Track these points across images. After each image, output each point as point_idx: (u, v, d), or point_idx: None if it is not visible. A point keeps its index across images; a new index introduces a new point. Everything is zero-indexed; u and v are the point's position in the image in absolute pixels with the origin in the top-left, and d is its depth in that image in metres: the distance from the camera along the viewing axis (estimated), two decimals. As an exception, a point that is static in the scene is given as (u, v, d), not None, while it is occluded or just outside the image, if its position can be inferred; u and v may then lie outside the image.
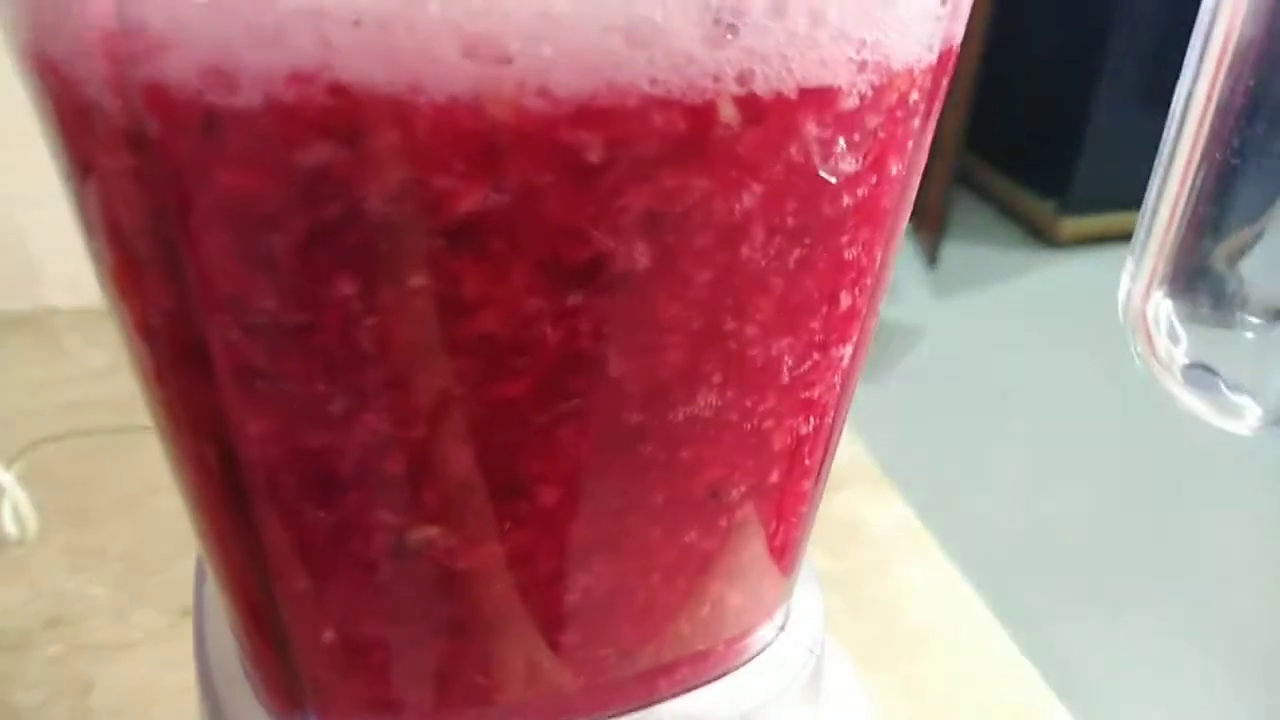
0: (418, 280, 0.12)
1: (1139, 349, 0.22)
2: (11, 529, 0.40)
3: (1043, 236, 2.24)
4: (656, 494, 0.14)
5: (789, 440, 0.15)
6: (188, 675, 0.36)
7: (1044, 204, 2.23)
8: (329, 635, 0.15)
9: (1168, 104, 0.21)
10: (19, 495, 0.40)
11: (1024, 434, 1.58)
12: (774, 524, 0.16)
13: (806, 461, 0.16)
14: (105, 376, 0.52)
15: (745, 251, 0.12)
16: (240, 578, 0.16)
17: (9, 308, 0.57)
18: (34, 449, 0.42)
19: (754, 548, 0.16)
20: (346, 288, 0.12)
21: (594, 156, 0.11)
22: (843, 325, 0.14)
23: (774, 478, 0.15)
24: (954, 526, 0.45)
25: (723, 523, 0.15)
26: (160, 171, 0.12)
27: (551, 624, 0.15)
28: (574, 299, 0.12)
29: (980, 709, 0.37)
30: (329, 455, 0.14)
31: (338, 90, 0.11)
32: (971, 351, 1.77)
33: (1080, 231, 2.20)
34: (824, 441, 0.16)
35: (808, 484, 0.16)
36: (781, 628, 0.18)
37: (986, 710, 0.37)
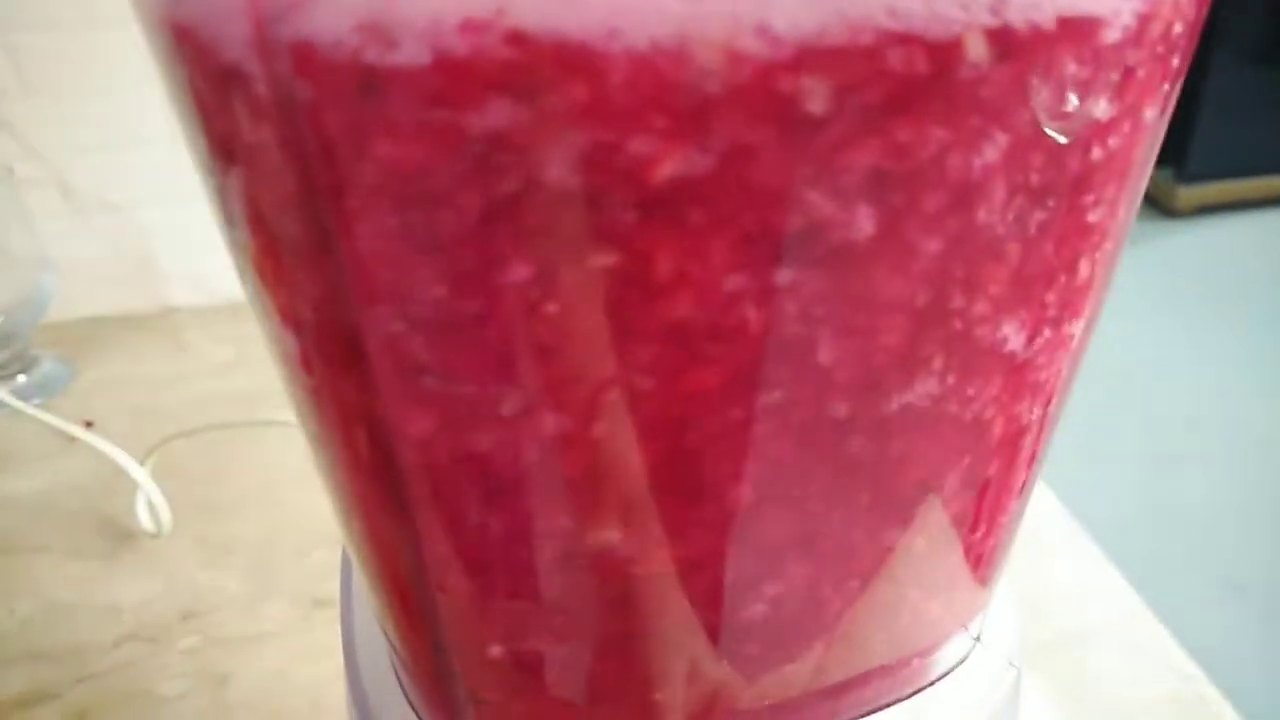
0: (604, 260, 0.11)
1: None
2: (147, 523, 0.40)
3: (1160, 206, 2.14)
4: (860, 493, 0.13)
5: (1009, 430, 0.13)
6: (321, 668, 0.36)
7: (1160, 172, 2.13)
8: (494, 648, 0.14)
9: None
10: (152, 489, 0.40)
11: (1146, 412, 1.51)
12: (983, 525, 0.14)
13: (1025, 454, 0.14)
14: (227, 372, 0.53)
15: (981, 215, 0.11)
16: (396, 583, 0.15)
17: (131, 309, 0.59)
18: (165, 445, 0.42)
19: (959, 550, 0.14)
20: (523, 270, 0.11)
21: (816, 107, 0.10)
22: (1078, 298, 0.13)
23: (989, 472, 0.14)
24: (1075, 506, 0.42)
25: (929, 523, 0.14)
26: (311, 144, 0.11)
27: (735, 636, 0.14)
28: (782, 276, 0.11)
29: (1141, 706, 0.34)
30: (498, 456, 0.13)
31: (517, 39, 0.09)
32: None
33: (1199, 200, 2.10)
34: (1045, 431, 0.14)
35: (1022, 479, 0.15)
36: (977, 638, 0.17)
37: (1148, 707, 0.34)
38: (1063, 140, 0.12)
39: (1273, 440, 1.44)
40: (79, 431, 0.41)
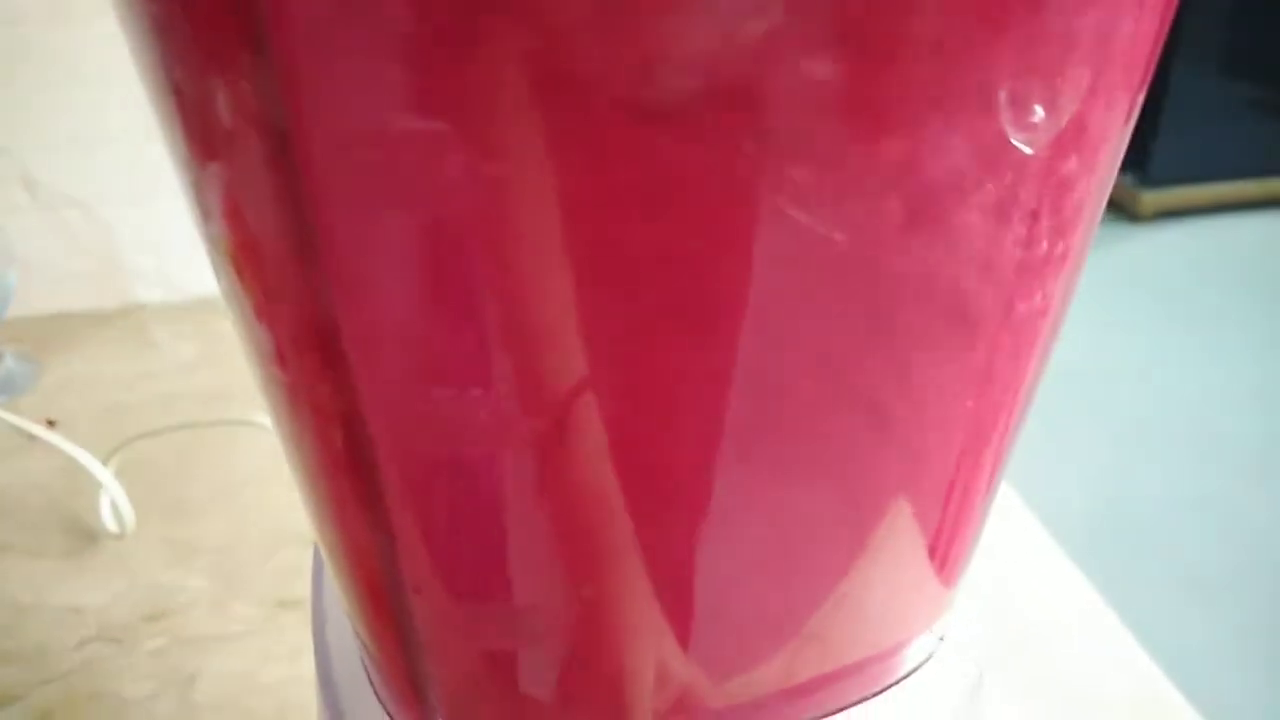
0: (581, 254, 0.11)
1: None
2: (111, 524, 0.40)
3: (1123, 210, 2.17)
4: (827, 497, 0.13)
5: (975, 434, 0.14)
6: (289, 668, 0.36)
7: (1123, 177, 2.16)
8: (467, 650, 0.15)
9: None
10: (116, 489, 0.40)
11: (1108, 413, 1.53)
12: (948, 526, 0.15)
13: (989, 457, 0.14)
14: (193, 369, 0.53)
15: (943, 224, 0.11)
16: (370, 584, 0.15)
17: (97, 305, 0.58)
18: (129, 445, 0.42)
19: (924, 551, 0.15)
20: (503, 270, 0.11)
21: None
22: (1052, 269, 0.13)
23: (954, 475, 0.14)
24: (1039, 508, 0.43)
25: (895, 526, 0.14)
26: (295, 141, 0.11)
27: (704, 638, 0.14)
28: (751, 273, 0.11)
29: (1101, 705, 0.35)
30: (476, 458, 0.13)
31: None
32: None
33: (1161, 205, 2.13)
34: (1010, 434, 0.15)
35: (987, 482, 0.15)
36: (941, 638, 0.17)
37: (1108, 705, 0.35)
38: (1028, 151, 0.12)
39: (1234, 441, 1.46)
40: (41, 431, 0.40)
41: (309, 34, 0.10)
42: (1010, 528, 0.42)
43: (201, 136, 0.12)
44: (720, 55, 0.10)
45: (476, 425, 0.12)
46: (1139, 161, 2.12)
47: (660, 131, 0.10)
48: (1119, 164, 0.14)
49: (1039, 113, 0.12)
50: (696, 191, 0.10)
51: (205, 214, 0.13)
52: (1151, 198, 2.12)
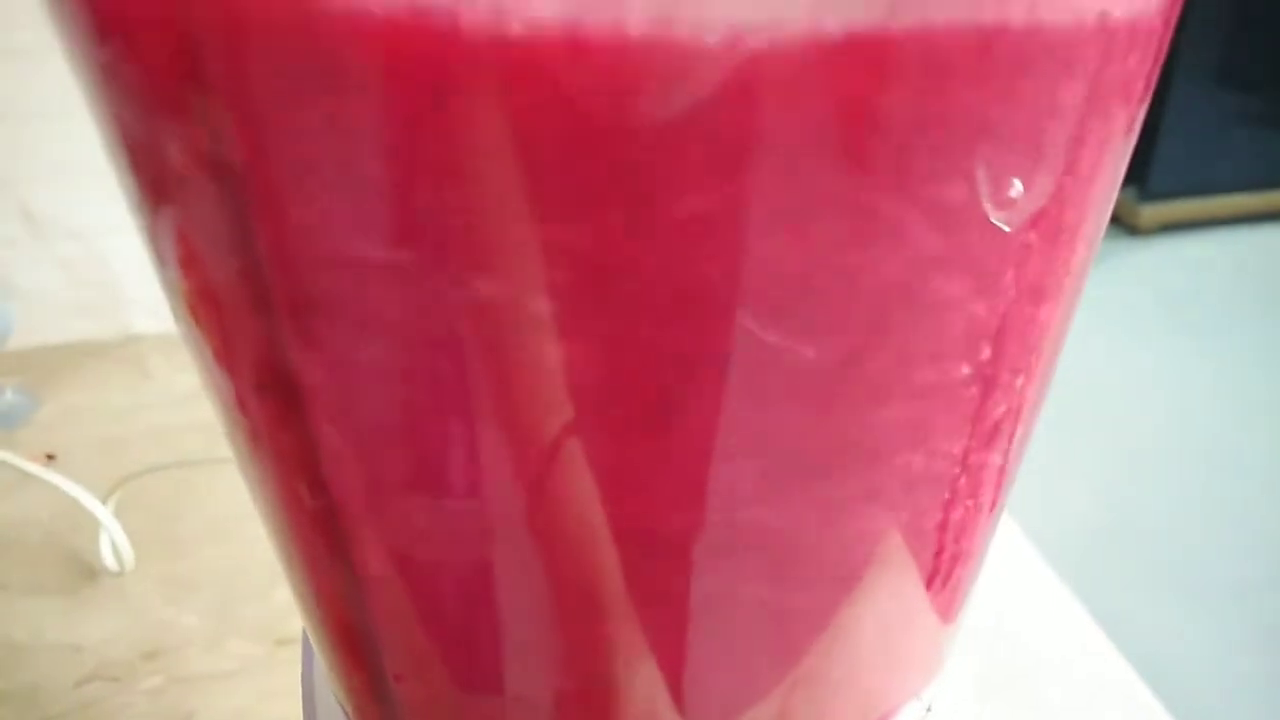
0: (545, 305, 0.11)
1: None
2: (110, 562, 0.40)
3: (1123, 224, 2.17)
4: (816, 550, 0.13)
5: (969, 482, 0.13)
6: (286, 705, 0.36)
7: (1123, 191, 2.16)
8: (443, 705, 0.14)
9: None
10: (115, 528, 0.40)
11: (1106, 428, 1.53)
12: (949, 554, 0.15)
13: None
14: (191, 401, 0.53)
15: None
16: (344, 640, 0.15)
17: (94, 337, 0.58)
18: (129, 481, 0.42)
19: (914, 615, 0.15)
20: (471, 329, 0.11)
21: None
22: (1041, 335, 0.13)
23: (943, 542, 0.14)
24: (1038, 524, 0.43)
25: (884, 588, 0.14)
26: (246, 183, 0.10)
27: (684, 712, 0.14)
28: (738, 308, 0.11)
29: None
30: (446, 520, 0.13)
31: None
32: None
33: (1161, 218, 2.13)
34: (1005, 481, 0.14)
35: (990, 514, 0.15)
36: (929, 709, 0.17)
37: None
38: (1006, 229, 0.12)
39: (1238, 454, 1.46)
40: (39, 470, 0.40)
41: (256, 80, 0.10)
42: (1007, 557, 0.42)
43: (152, 180, 0.12)
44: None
45: (452, 490, 0.12)
46: (1139, 175, 2.12)
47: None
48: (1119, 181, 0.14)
49: (1017, 187, 0.12)
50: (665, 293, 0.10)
51: (160, 260, 0.13)
52: (1152, 211, 2.12)
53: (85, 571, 0.41)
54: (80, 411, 0.52)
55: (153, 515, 0.43)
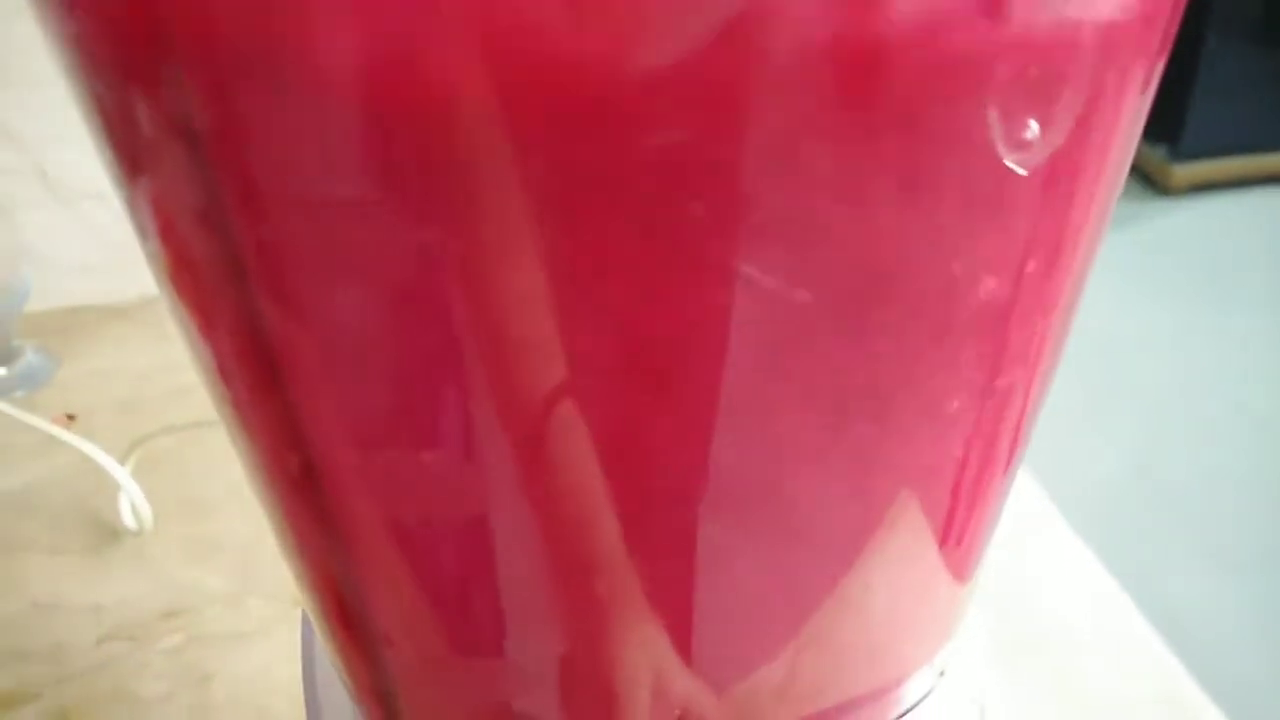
0: (526, 270, 0.10)
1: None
2: (129, 521, 0.40)
3: (1155, 185, 2.13)
4: (829, 516, 0.13)
5: (995, 416, 0.13)
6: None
7: (1155, 150, 2.12)
8: (446, 702, 0.14)
9: None
10: (134, 489, 0.40)
11: (1139, 391, 1.51)
12: (961, 513, 0.14)
13: (1021, 409, 0.14)
14: (211, 362, 0.53)
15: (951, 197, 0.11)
16: (334, 605, 0.15)
17: (113, 299, 0.58)
18: (148, 441, 0.42)
19: (926, 581, 0.14)
20: (442, 284, 0.11)
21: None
22: (1057, 288, 0.12)
23: (957, 506, 0.13)
24: (1066, 487, 0.42)
25: (897, 551, 0.14)
26: (213, 154, 0.10)
27: (698, 685, 0.14)
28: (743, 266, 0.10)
29: (1122, 706, 0.34)
30: (432, 484, 0.12)
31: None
32: (1084, 305, 1.70)
33: (1194, 178, 2.09)
34: (1032, 414, 0.14)
35: (1003, 475, 0.14)
36: (942, 673, 0.16)
37: (1130, 707, 0.34)
38: (1022, 172, 0.12)
39: (1267, 417, 1.44)
40: (59, 431, 0.41)
41: (219, 44, 0.09)
42: (1030, 521, 0.42)
43: (127, 150, 0.12)
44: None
45: (440, 451, 0.12)
46: (1171, 134, 2.08)
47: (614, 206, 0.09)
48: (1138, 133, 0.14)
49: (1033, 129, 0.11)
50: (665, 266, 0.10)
51: (141, 231, 0.13)
52: (1184, 171, 2.08)
53: (106, 532, 0.41)
54: (100, 373, 0.52)
55: (172, 476, 0.43)
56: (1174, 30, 0.12)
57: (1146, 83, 0.12)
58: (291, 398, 0.12)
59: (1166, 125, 2.08)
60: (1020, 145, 0.11)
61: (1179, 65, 2.06)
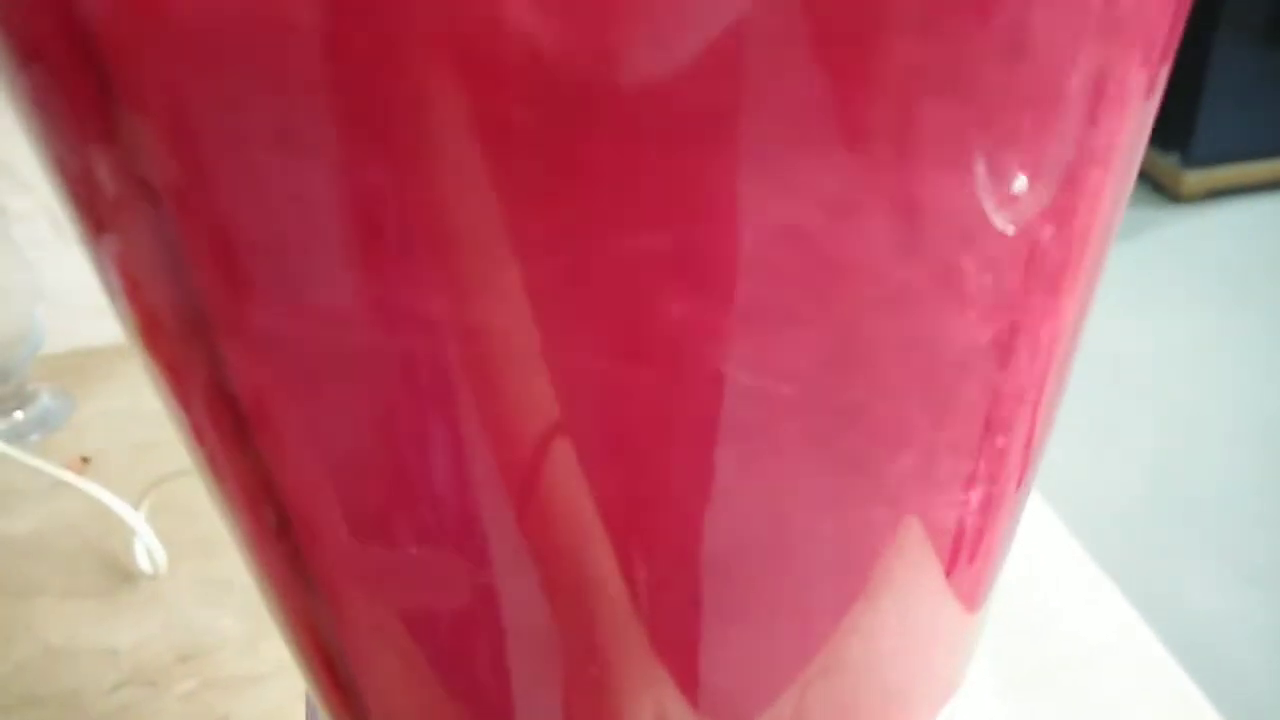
0: (500, 315, 0.10)
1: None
2: (144, 565, 0.40)
3: (1165, 191, 2.12)
4: (832, 548, 0.12)
5: (1002, 437, 0.13)
6: (317, 707, 0.36)
7: (1166, 157, 2.11)
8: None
9: None
10: (147, 532, 0.40)
11: (1150, 400, 1.50)
12: (969, 537, 0.14)
13: (1028, 434, 0.14)
14: (224, 400, 0.53)
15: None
16: (315, 653, 0.15)
17: (124, 341, 0.58)
18: (162, 484, 0.42)
19: (934, 632, 0.14)
20: (415, 333, 0.10)
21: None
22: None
23: (959, 558, 0.13)
24: (1078, 503, 0.42)
25: (902, 597, 0.13)
26: (170, 211, 0.10)
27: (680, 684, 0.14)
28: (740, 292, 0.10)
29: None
30: (407, 539, 0.12)
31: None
32: (1095, 315, 1.69)
33: (1205, 185, 2.08)
34: (1050, 398, 0.14)
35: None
36: None
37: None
38: (1010, 231, 0.12)
39: (1270, 422, 1.43)
40: (72, 477, 0.41)
41: (172, 90, 0.09)
42: (1045, 544, 0.41)
43: (90, 209, 0.12)
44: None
45: (425, 520, 0.12)
46: (1182, 141, 2.07)
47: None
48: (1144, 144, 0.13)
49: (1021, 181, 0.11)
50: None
51: (110, 291, 0.13)
52: (1195, 178, 2.07)
53: (120, 575, 0.41)
54: (115, 414, 0.53)
55: (185, 518, 0.43)
56: (1176, 39, 0.12)
57: (1150, 92, 0.12)
58: (261, 452, 0.12)
59: (1177, 132, 2.08)
60: (1011, 200, 0.11)
61: (1188, 72, 2.06)
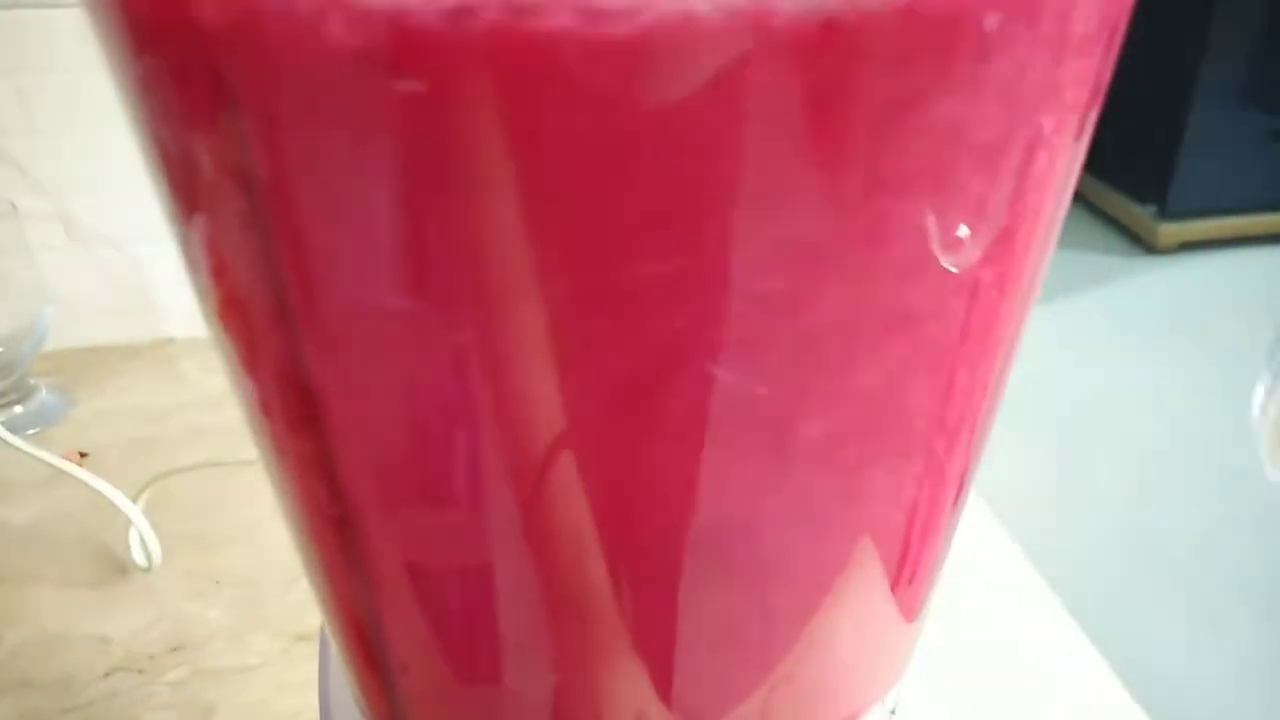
0: (553, 314, 0.11)
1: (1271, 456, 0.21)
2: (139, 558, 0.42)
3: (1142, 243, 2.17)
4: (790, 555, 0.14)
5: (925, 497, 0.15)
6: (302, 699, 0.38)
7: (1143, 209, 2.16)
8: (447, 698, 0.16)
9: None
10: (144, 525, 0.41)
11: (1123, 446, 1.53)
12: (912, 543, 0.16)
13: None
14: (220, 402, 0.55)
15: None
16: (354, 632, 0.16)
17: (128, 339, 0.60)
18: (159, 481, 0.44)
19: (879, 619, 0.16)
20: (479, 328, 0.11)
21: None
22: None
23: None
24: (1049, 543, 0.44)
25: (851, 593, 0.15)
26: (267, 201, 0.11)
27: (670, 706, 0.15)
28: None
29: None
30: (439, 511, 0.13)
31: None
32: (1069, 361, 1.72)
33: (1180, 237, 2.13)
34: (962, 494, 0.15)
35: (937, 551, 0.16)
36: (892, 711, 0.18)
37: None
38: (954, 271, 0.13)
39: (1253, 477, 1.45)
40: (70, 466, 0.42)
41: (278, 100, 0.10)
42: (1003, 574, 0.43)
43: (185, 191, 0.12)
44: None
45: (456, 500, 0.13)
46: (1159, 194, 2.12)
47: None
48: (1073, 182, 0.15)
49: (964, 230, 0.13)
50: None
51: (193, 267, 0.13)
52: (1170, 230, 2.12)
53: (115, 566, 0.43)
54: (113, 412, 0.54)
55: (181, 514, 0.45)
56: (1105, 82, 0.13)
57: (1079, 135, 0.13)
58: (326, 438, 0.13)
59: (1154, 185, 2.12)
60: (955, 244, 0.13)
61: (1167, 125, 2.10)
